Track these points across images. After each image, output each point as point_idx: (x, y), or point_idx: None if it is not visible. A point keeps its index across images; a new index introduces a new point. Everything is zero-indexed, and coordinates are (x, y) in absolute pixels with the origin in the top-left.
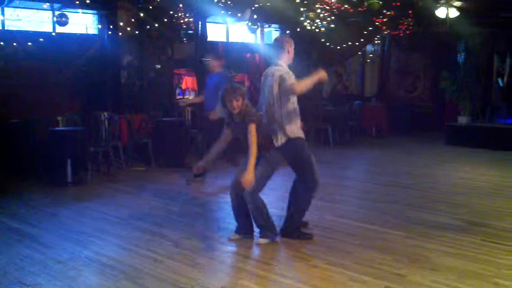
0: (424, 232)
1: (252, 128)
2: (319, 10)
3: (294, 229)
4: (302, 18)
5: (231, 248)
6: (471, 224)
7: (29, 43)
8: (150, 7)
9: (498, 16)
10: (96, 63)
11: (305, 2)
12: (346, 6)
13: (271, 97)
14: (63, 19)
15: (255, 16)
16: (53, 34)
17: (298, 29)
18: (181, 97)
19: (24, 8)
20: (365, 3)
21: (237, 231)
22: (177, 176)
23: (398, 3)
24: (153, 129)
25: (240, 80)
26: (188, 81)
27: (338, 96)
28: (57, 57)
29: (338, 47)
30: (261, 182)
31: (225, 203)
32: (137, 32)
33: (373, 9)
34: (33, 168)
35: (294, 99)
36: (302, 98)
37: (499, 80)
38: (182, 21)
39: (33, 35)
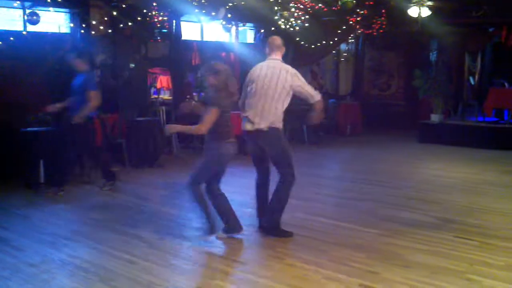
0: (397, 230)
1: (214, 111)
2: (293, 9)
3: (275, 226)
4: (276, 17)
5: (206, 248)
6: (443, 221)
7: None
8: (123, 6)
9: (469, 16)
10: (68, 62)
11: (279, 1)
12: (320, 5)
13: (281, 92)
14: (34, 17)
15: (229, 15)
16: (24, 33)
17: (273, 28)
18: (156, 96)
19: None
20: (339, 2)
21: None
22: (152, 177)
23: (371, 2)
24: (127, 129)
25: None
26: (163, 80)
27: None
28: (29, 56)
29: (313, 46)
30: (201, 175)
31: None
32: (110, 30)
33: (347, 8)
34: (4, 169)
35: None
36: None
37: (471, 78)
38: (156, 19)
39: (4, 34)
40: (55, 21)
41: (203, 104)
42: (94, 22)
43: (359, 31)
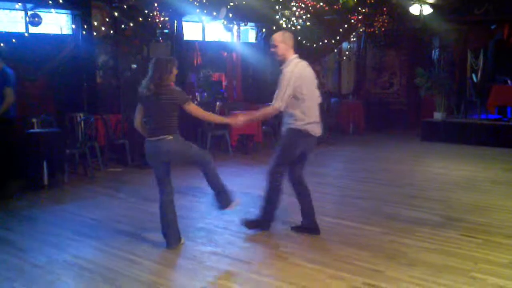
0: (401, 228)
1: (192, 106)
2: (294, 8)
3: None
4: (277, 16)
5: (209, 248)
6: (447, 219)
7: (1, 44)
8: (125, 6)
9: (471, 13)
10: (70, 63)
11: (281, 0)
12: (322, 3)
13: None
14: (36, 19)
15: (230, 15)
16: (26, 34)
17: (274, 27)
18: None
19: None
20: (340, 1)
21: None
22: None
23: (373, 1)
24: (129, 130)
25: (217, 79)
26: None
27: None
28: (31, 58)
29: (314, 45)
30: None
31: (201, 203)
32: (112, 31)
33: (348, 6)
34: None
35: None
36: None
37: (473, 76)
38: (157, 20)
39: (6, 36)
40: (57, 23)
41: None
42: (95, 23)
43: (360, 30)
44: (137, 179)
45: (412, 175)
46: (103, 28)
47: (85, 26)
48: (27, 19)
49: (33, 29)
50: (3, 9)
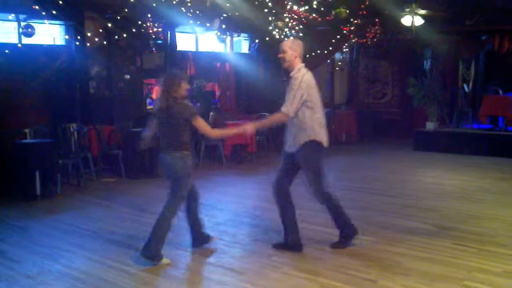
0: (394, 237)
1: (199, 122)
2: (287, 19)
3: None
4: (270, 27)
5: (203, 258)
6: (440, 228)
7: None
8: (118, 17)
9: (462, 24)
10: (64, 74)
11: (274, 11)
12: (314, 15)
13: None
14: (29, 30)
15: (223, 26)
16: (19, 45)
17: (267, 38)
18: (151, 107)
19: None
20: (333, 12)
21: None
22: (148, 187)
23: (365, 12)
24: (123, 140)
25: (210, 89)
26: (159, 91)
27: None
28: (24, 68)
29: (307, 56)
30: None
31: None
32: (105, 42)
33: (340, 17)
34: (1, 181)
35: None
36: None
37: (465, 86)
38: (151, 31)
39: None
40: (50, 34)
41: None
42: (89, 34)
43: (353, 41)
44: (131, 189)
45: (405, 185)
46: (96, 39)
47: (78, 37)
48: (20, 30)
49: (26, 40)
50: None
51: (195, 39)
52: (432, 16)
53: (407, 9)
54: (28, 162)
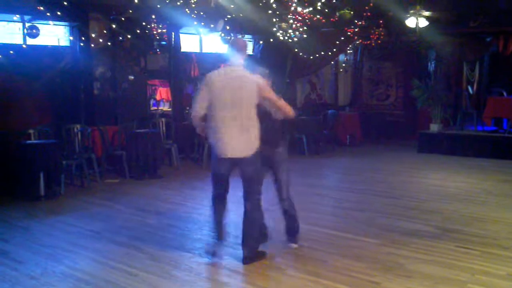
0: (398, 240)
1: None
2: (291, 21)
3: None
4: (274, 29)
5: (206, 259)
6: (444, 230)
7: None
8: (122, 18)
9: (466, 26)
10: (68, 75)
11: (278, 12)
12: (318, 16)
13: (250, 106)
14: (34, 31)
15: (227, 27)
16: (24, 46)
17: (271, 40)
18: (155, 108)
19: None
20: (337, 14)
21: None
22: (152, 188)
23: (369, 14)
24: (127, 141)
25: None
26: (163, 92)
27: (312, 105)
28: (28, 69)
29: (311, 57)
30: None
31: (199, 214)
32: (109, 43)
33: (345, 19)
34: (5, 182)
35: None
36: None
37: (469, 88)
38: (155, 32)
39: (3, 48)
40: (55, 35)
41: None
42: (93, 35)
43: (357, 42)
44: (134, 190)
45: (409, 187)
46: (100, 40)
47: (83, 38)
48: (25, 31)
49: (31, 41)
50: (1, 21)
51: (199, 40)
52: (437, 18)
53: (411, 11)
54: (32, 163)
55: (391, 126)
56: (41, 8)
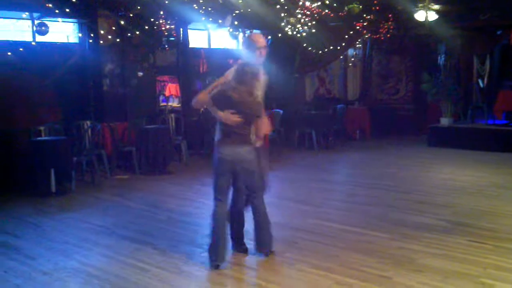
0: (408, 234)
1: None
2: (300, 15)
3: None
4: (283, 24)
5: None
6: (455, 224)
7: (9, 53)
8: (131, 15)
9: (476, 19)
10: (77, 72)
11: (286, 7)
12: (327, 10)
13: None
14: (43, 28)
15: (236, 22)
16: (33, 43)
17: (280, 35)
18: (165, 104)
19: (2, 17)
20: (345, 8)
21: None
22: (162, 184)
23: (378, 7)
24: (136, 137)
25: None
26: (172, 88)
27: (321, 100)
28: (38, 66)
29: (320, 52)
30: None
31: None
32: (118, 40)
33: (353, 13)
34: (16, 179)
35: None
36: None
37: (480, 81)
38: (163, 28)
39: (13, 45)
40: (64, 32)
41: None
42: (102, 32)
43: (366, 36)
44: (144, 186)
45: (419, 181)
46: (109, 37)
47: (92, 35)
48: (34, 28)
49: (40, 38)
50: (10, 18)
51: (208, 35)
52: (446, 11)
53: (421, 4)
54: (43, 160)
55: (401, 120)
56: (50, 5)
